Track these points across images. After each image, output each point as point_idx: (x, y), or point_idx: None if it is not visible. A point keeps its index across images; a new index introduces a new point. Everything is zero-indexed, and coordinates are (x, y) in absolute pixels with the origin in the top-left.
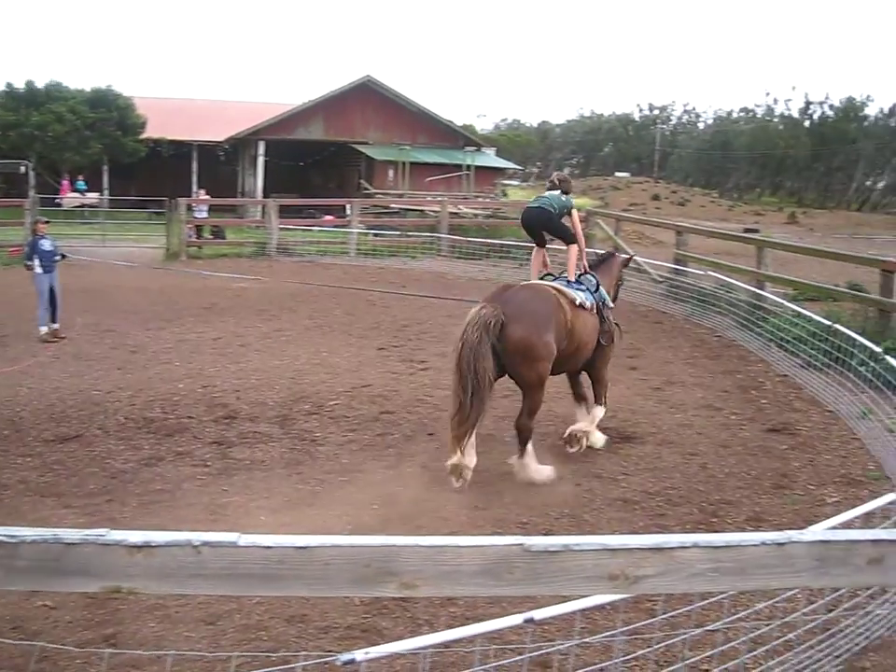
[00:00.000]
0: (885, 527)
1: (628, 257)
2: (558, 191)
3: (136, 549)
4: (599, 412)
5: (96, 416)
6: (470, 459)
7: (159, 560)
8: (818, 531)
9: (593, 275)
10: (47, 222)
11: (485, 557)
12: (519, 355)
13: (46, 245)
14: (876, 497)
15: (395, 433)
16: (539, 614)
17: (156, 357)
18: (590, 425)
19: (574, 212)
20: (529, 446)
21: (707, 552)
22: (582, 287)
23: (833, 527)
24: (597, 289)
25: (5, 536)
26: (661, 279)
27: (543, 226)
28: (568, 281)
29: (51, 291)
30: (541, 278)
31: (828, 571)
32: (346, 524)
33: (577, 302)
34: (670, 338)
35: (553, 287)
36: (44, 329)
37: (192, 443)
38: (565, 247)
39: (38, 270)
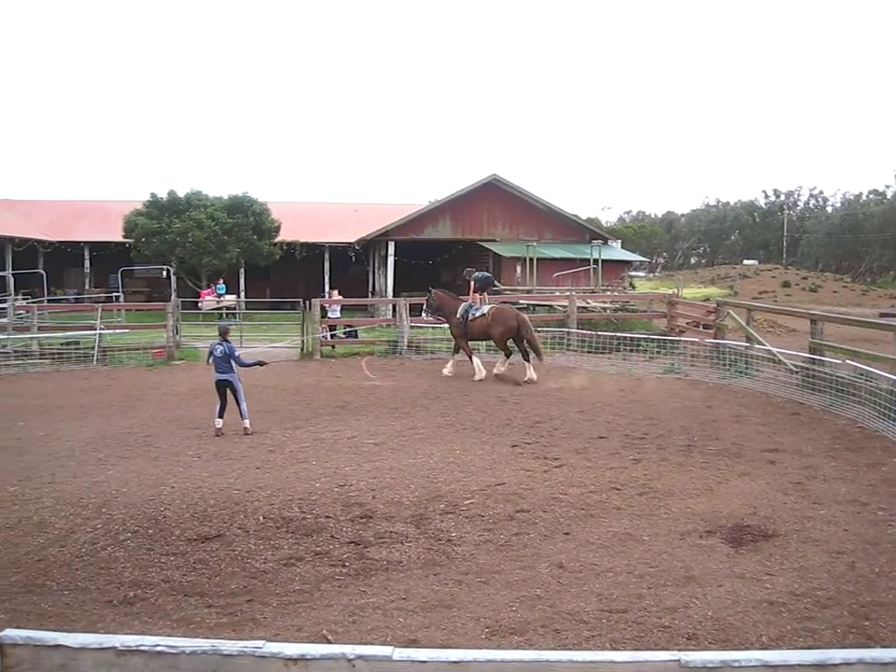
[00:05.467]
0: None
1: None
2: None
3: (292, 662)
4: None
5: (236, 516)
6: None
7: None
8: None
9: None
10: (227, 331)
11: None
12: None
13: (217, 350)
14: None
15: (531, 532)
16: None
17: (293, 456)
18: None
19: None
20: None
21: (872, 669)
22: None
23: None
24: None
25: (166, 646)
26: (796, 369)
27: (490, 285)
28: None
29: (232, 391)
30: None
31: None
32: (484, 627)
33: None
34: (809, 430)
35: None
36: (217, 423)
37: (330, 543)
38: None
39: (213, 371)
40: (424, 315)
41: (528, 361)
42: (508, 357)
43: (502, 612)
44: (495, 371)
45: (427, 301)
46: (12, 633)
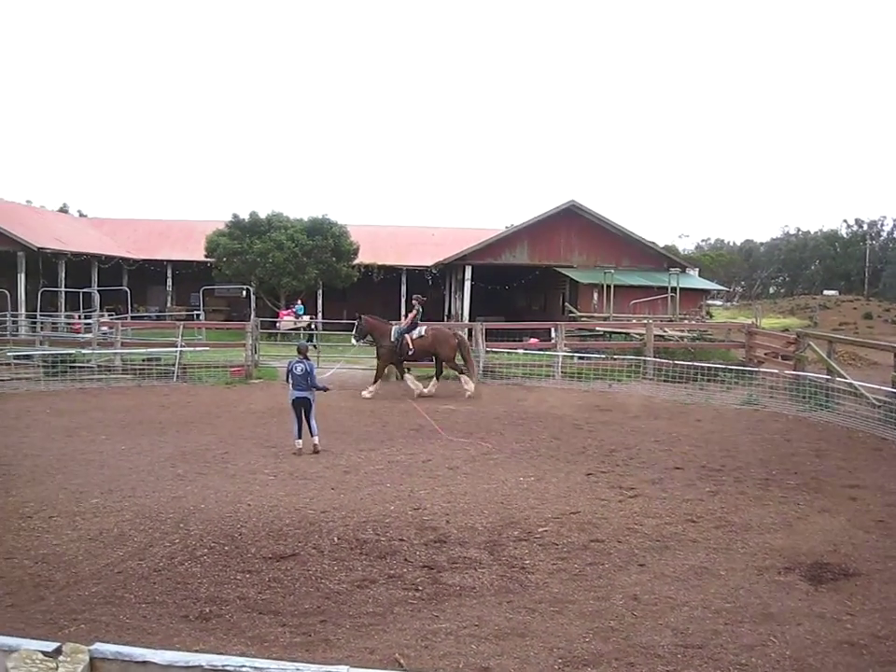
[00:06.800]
0: None
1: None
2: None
3: None
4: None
5: (311, 535)
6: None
7: None
8: None
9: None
10: (307, 349)
11: None
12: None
13: (297, 369)
14: None
15: (605, 563)
16: None
17: (368, 477)
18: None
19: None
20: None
21: None
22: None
23: None
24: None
25: (251, 667)
26: (879, 403)
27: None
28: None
29: (306, 409)
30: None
31: None
32: (557, 657)
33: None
34: (891, 466)
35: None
36: (298, 443)
37: (403, 567)
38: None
39: (290, 389)
40: (353, 340)
41: (463, 374)
42: (439, 379)
43: (575, 643)
44: (426, 391)
45: (356, 325)
46: (102, 647)
